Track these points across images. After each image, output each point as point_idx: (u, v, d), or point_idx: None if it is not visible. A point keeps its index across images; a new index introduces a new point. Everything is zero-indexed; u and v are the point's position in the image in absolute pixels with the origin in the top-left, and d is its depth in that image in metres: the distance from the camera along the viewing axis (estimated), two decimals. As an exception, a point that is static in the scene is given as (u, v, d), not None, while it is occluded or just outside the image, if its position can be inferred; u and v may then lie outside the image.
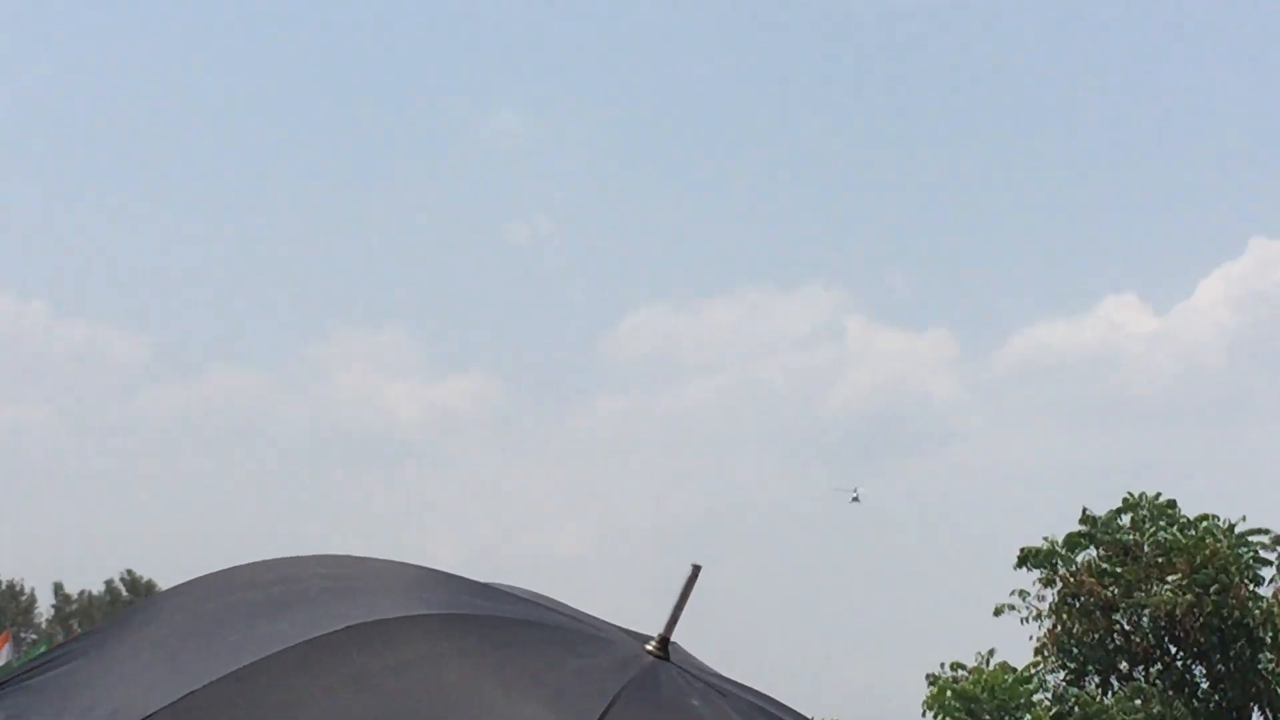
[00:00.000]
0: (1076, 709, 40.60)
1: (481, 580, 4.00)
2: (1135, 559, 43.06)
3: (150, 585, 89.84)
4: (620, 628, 3.84)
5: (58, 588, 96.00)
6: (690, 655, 3.87)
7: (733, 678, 3.97)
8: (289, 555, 4.09)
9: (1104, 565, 42.99)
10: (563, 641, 3.68)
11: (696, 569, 3.79)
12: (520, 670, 3.48)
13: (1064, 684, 42.39)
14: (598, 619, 3.91)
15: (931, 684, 37.77)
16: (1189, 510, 44.08)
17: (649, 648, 3.68)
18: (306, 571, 3.83)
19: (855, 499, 69.48)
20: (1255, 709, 42.86)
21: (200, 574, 4.01)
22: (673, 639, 3.75)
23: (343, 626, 3.45)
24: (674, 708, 3.52)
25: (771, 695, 3.99)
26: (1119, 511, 44.17)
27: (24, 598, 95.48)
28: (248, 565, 3.88)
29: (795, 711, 3.90)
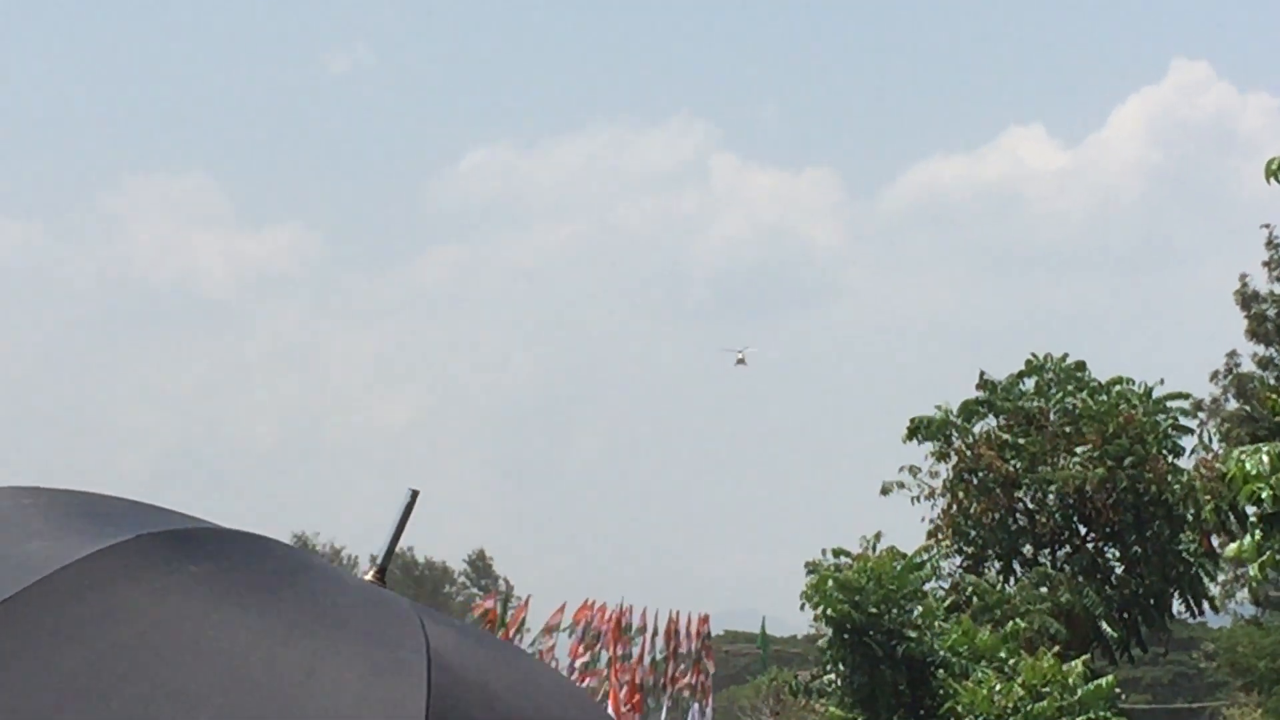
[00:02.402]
0: (974, 598, 38.61)
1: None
2: (1040, 428, 41.82)
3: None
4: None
5: None
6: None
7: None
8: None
9: (1005, 436, 41.83)
10: (290, 562, 3.28)
11: (414, 493, 3.48)
12: (275, 600, 3.15)
13: (960, 571, 41.15)
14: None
15: (811, 572, 34.44)
16: (1100, 373, 42.95)
17: (368, 578, 3.38)
18: None
19: (741, 361, 66.85)
20: (1175, 594, 41.76)
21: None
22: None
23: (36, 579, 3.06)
24: (477, 635, 3.44)
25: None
26: (1021, 375, 43.00)
27: None
28: None
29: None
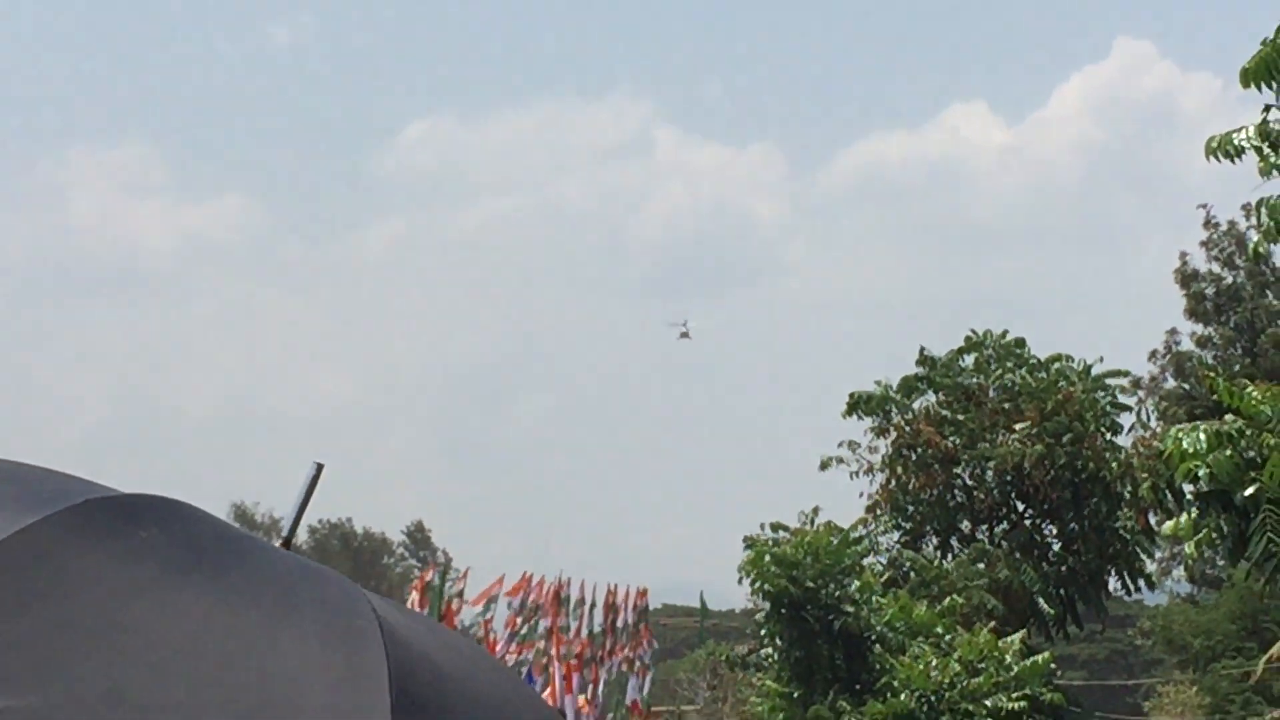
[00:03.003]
0: (912, 574, 38.44)
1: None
2: (979, 405, 41.73)
3: None
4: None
5: None
6: None
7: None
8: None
9: (944, 412, 41.79)
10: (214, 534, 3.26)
11: (319, 466, 3.62)
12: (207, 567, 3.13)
13: (898, 546, 41.07)
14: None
15: (748, 547, 33.83)
16: (1039, 350, 42.89)
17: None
18: None
19: (684, 334, 66.83)
20: (1112, 571, 41.84)
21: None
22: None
23: None
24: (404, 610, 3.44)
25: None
26: (961, 351, 42.87)
27: None
28: None
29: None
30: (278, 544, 3.54)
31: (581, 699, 37.84)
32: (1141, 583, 42.28)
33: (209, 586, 3.08)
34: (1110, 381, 41.74)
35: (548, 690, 35.21)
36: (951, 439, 41.06)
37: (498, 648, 36.45)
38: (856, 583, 32.22)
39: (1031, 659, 30.68)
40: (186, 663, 2.95)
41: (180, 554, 3.14)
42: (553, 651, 37.62)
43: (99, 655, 2.89)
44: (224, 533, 3.32)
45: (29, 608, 2.93)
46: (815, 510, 37.12)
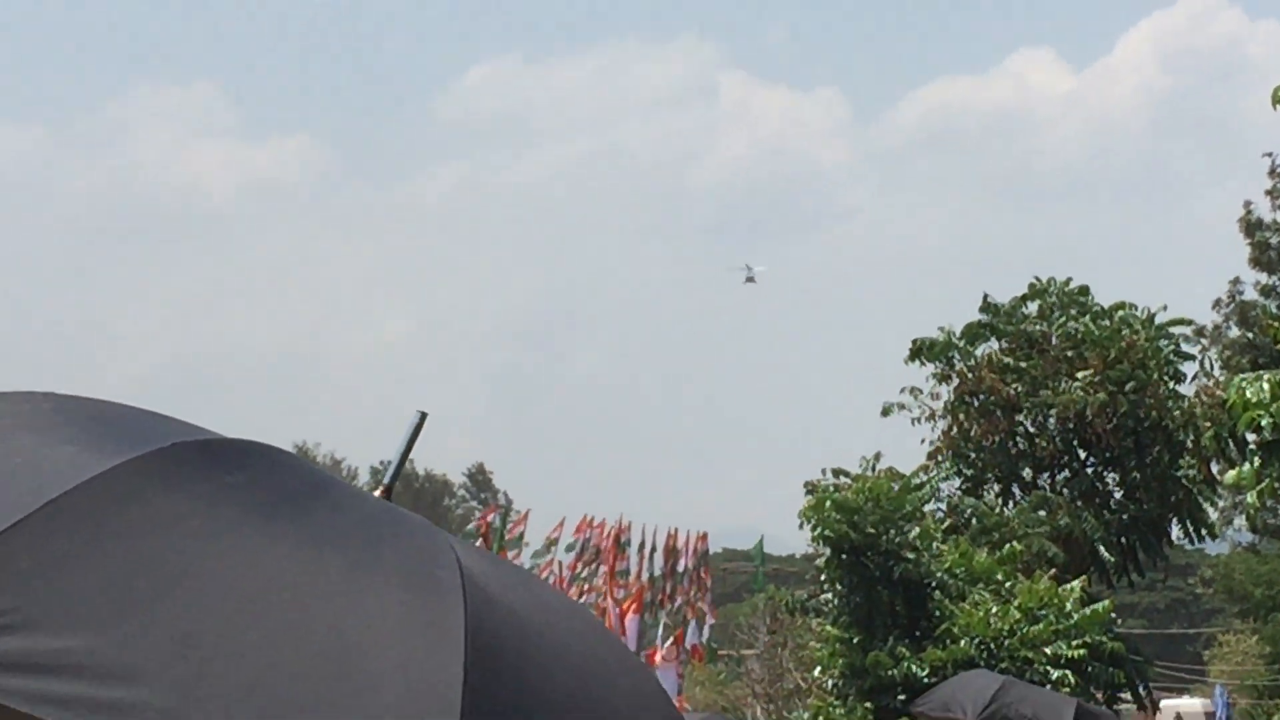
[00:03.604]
0: (974, 521, 38.34)
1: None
2: (1042, 352, 41.55)
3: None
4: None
5: None
6: None
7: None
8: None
9: (1006, 359, 41.58)
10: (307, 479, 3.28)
11: (422, 415, 3.66)
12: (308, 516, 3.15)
13: (959, 493, 41.04)
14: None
15: (809, 492, 33.88)
16: (1103, 298, 42.68)
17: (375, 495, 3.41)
18: None
19: (750, 279, 66.78)
20: (1173, 520, 41.75)
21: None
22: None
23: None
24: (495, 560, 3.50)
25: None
26: (1024, 298, 42.67)
27: None
28: None
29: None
30: (378, 491, 3.57)
31: (658, 654, 38.03)
32: (1203, 532, 42.20)
33: (291, 533, 3.10)
34: (1174, 330, 41.61)
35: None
36: (1014, 386, 40.90)
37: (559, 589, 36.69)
38: (917, 529, 32.20)
39: (1092, 607, 30.66)
40: (261, 609, 2.96)
41: (265, 499, 3.16)
42: (608, 595, 37.79)
43: (174, 599, 2.93)
44: (312, 478, 3.33)
45: (107, 550, 2.96)
46: (877, 456, 37.10)
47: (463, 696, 2.93)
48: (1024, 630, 29.53)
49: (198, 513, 3.05)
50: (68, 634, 2.88)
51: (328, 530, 3.15)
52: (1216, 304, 56.03)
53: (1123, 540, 40.90)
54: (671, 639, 39.94)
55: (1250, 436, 21.92)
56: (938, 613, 30.42)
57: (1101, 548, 39.70)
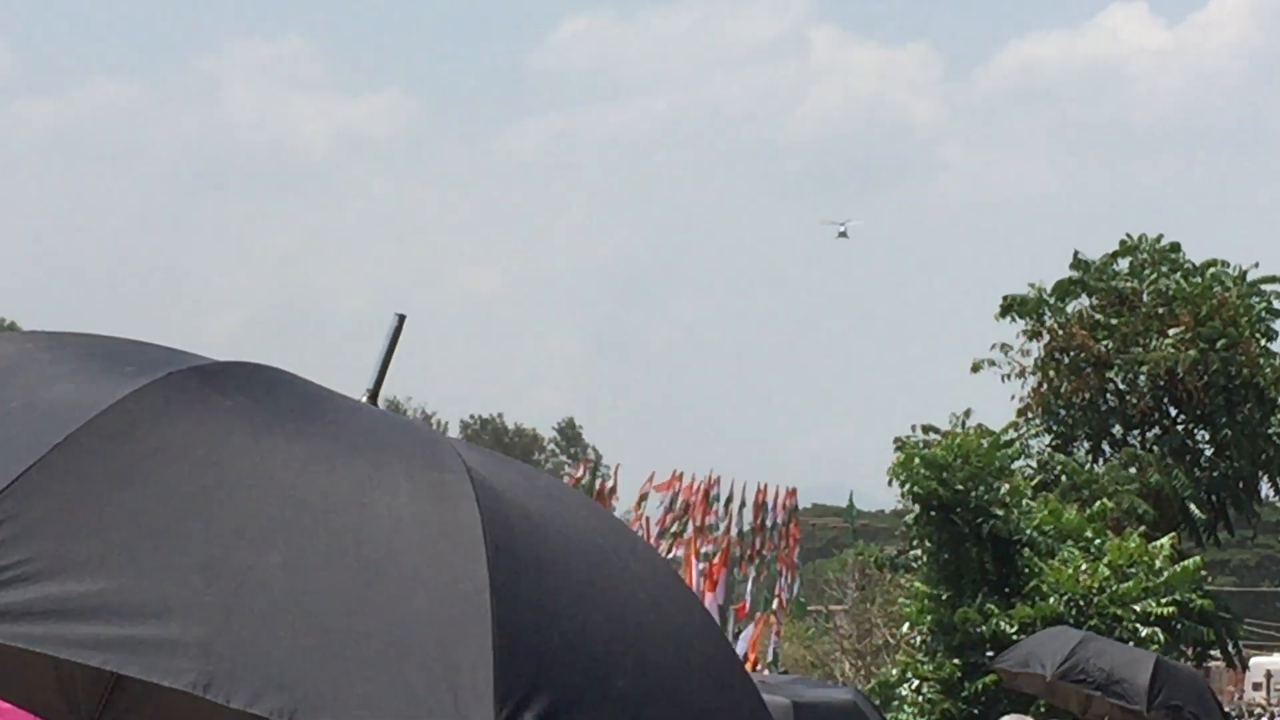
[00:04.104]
0: (1063, 478, 38.26)
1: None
2: (1133, 309, 41.52)
3: (13, 327, 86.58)
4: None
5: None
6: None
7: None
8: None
9: (1097, 316, 41.56)
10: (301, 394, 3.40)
11: (401, 318, 3.89)
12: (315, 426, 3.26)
13: (1049, 449, 40.98)
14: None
15: (899, 449, 33.92)
16: (1195, 255, 42.44)
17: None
18: None
19: (843, 233, 66.55)
20: (1264, 478, 41.72)
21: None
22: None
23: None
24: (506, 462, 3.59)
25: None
26: (1116, 255, 42.47)
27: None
28: None
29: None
30: (364, 398, 3.68)
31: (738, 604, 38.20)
32: (1294, 490, 42.06)
33: (299, 451, 3.15)
34: (1266, 288, 41.35)
35: (703, 587, 35.53)
36: (1104, 343, 40.86)
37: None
38: (1006, 486, 32.14)
39: (1181, 564, 30.62)
40: (280, 530, 3.01)
41: (267, 419, 3.21)
42: (693, 549, 37.93)
43: (194, 529, 2.98)
44: (308, 392, 3.41)
45: (122, 487, 3.02)
46: (967, 413, 37.26)
47: (490, 598, 3.03)
48: (1113, 588, 29.54)
49: (204, 440, 3.11)
50: (93, 576, 2.92)
51: (333, 444, 3.21)
52: (1310, 260, 55.79)
53: (1213, 498, 40.80)
54: (776, 600, 40.13)
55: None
56: (1026, 570, 30.44)
57: (1192, 505, 39.61)
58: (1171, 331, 40.34)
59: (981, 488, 31.83)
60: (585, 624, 3.30)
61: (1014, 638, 26.98)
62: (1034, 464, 39.46)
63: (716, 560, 37.75)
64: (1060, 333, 41.24)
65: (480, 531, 3.14)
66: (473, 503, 3.20)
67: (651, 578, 3.59)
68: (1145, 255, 41.98)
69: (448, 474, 3.26)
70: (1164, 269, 41.55)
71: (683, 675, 3.43)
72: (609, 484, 41.12)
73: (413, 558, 3.09)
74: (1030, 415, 41.37)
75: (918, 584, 32.67)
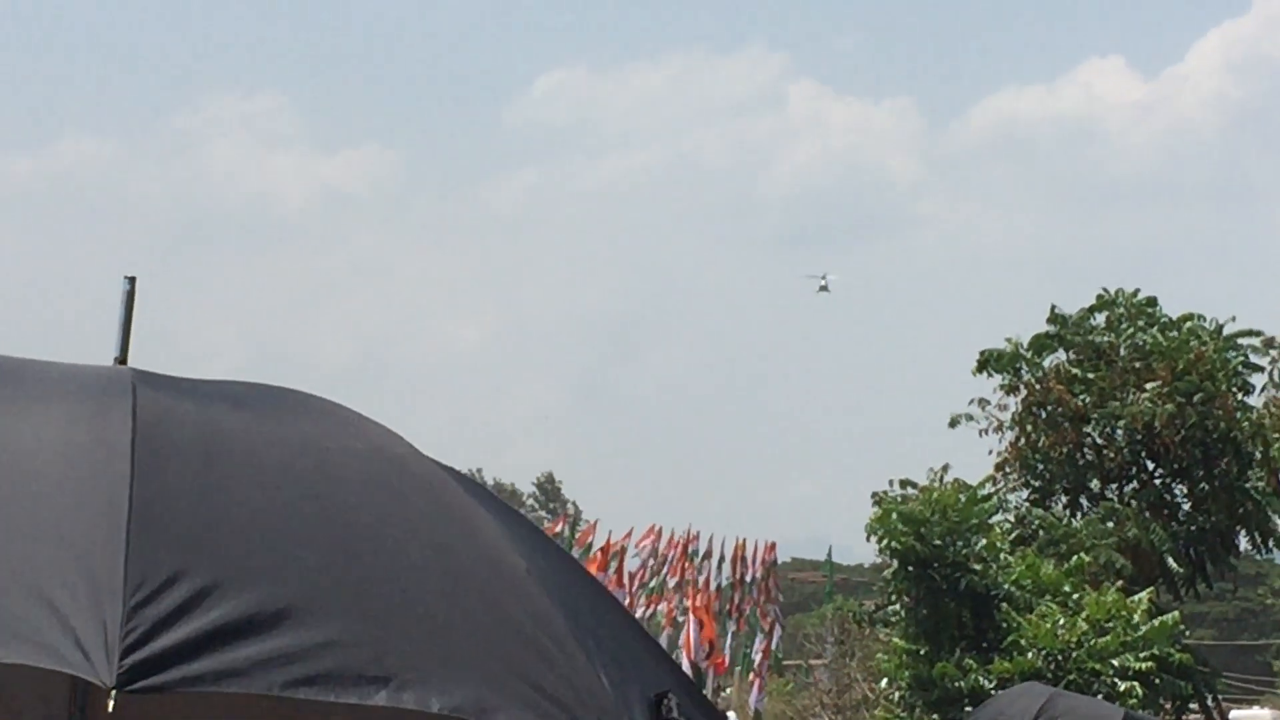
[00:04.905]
0: (1041, 532, 38.42)
1: None
2: (1110, 363, 41.38)
3: None
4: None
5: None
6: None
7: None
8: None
9: (1074, 370, 41.31)
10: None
11: (131, 280, 4.08)
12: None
13: (1027, 504, 40.91)
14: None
15: (876, 504, 33.82)
16: (1171, 309, 42.36)
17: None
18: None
19: (824, 287, 66.44)
20: (1242, 532, 41.58)
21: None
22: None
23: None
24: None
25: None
26: (1092, 310, 42.35)
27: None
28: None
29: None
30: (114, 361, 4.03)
31: (721, 657, 38.12)
32: (1271, 543, 41.92)
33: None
34: (1242, 341, 41.17)
35: (683, 641, 35.46)
36: (1082, 397, 40.64)
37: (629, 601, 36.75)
38: (984, 541, 32.13)
39: (1160, 618, 30.60)
40: None
41: None
42: (688, 603, 37.84)
43: None
44: (9, 365, 3.80)
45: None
46: (945, 468, 37.13)
47: (130, 498, 3.33)
48: (1091, 642, 29.51)
49: None
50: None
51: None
52: (1286, 314, 55.85)
53: (1191, 551, 40.68)
54: (760, 652, 40.02)
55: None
56: (1005, 624, 30.41)
57: (1170, 559, 39.47)
58: (1148, 386, 40.16)
59: (959, 543, 31.81)
60: (269, 518, 3.57)
61: (991, 693, 26.89)
62: (1011, 518, 39.31)
63: (702, 612, 37.59)
64: (1037, 387, 41.06)
65: (130, 444, 3.43)
66: (128, 421, 3.50)
67: (416, 493, 3.89)
68: (1122, 309, 41.83)
69: (108, 397, 3.59)
70: (1141, 323, 41.38)
71: (411, 576, 3.63)
72: (589, 539, 41.06)
73: (58, 468, 3.42)
74: (1008, 470, 41.21)
75: (896, 639, 32.64)
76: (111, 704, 3.19)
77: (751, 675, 38.13)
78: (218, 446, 3.63)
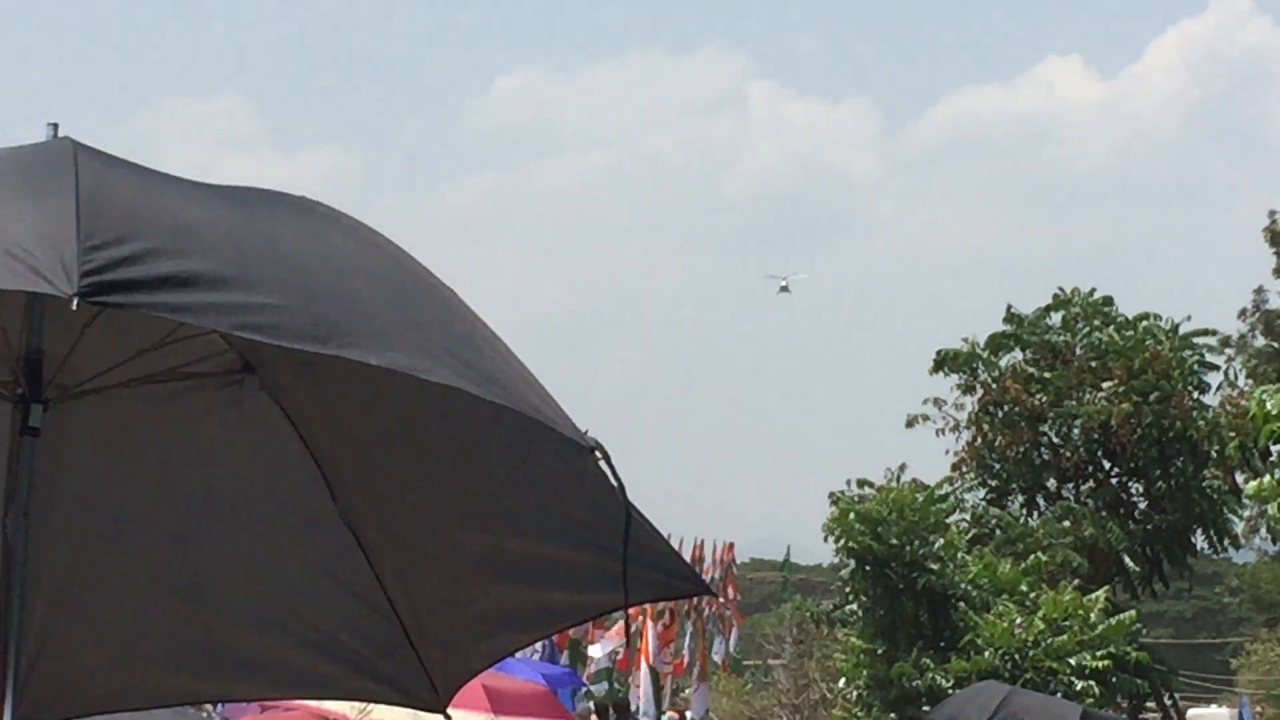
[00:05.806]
0: (998, 531, 38.44)
1: None
2: (1066, 363, 41.43)
3: None
4: None
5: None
6: None
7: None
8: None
9: (1031, 370, 41.46)
10: None
11: (54, 127, 4.41)
12: None
13: (983, 504, 40.85)
14: None
15: (834, 504, 33.78)
16: (1127, 308, 42.41)
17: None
18: None
19: (784, 288, 66.23)
20: (1198, 530, 41.46)
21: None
22: None
23: None
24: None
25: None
26: (1048, 309, 42.47)
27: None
28: None
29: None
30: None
31: (676, 662, 37.99)
32: (1227, 542, 42.00)
33: None
34: (1198, 340, 41.28)
35: (639, 650, 35.32)
36: (1038, 397, 40.72)
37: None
38: (941, 540, 32.16)
39: (1116, 617, 30.67)
40: None
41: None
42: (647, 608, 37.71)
43: None
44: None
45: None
46: (901, 467, 37.11)
47: (76, 188, 3.71)
48: (1048, 641, 29.56)
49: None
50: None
51: None
52: (1242, 314, 55.98)
53: (1147, 550, 40.65)
54: (721, 656, 39.89)
55: (1273, 448, 21.90)
56: (962, 624, 30.45)
57: (1126, 558, 39.45)
58: (1105, 385, 40.24)
59: (916, 542, 31.85)
60: (210, 224, 3.90)
61: (949, 692, 26.94)
62: (968, 518, 39.32)
63: (655, 616, 37.45)
64: (994, 387, 41.11)
65: (74, 190, 3.74)
66: (71, 173, 3.84)
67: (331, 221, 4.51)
68: (1078, 309, 41.89)
69: (54, 168, 3.90)
70: (1097, 323, 41.46)
71: (346, 281, 4.07)
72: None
73: (7, 221, 3.71)
74: (964, 469, 41.23)
75: (854, 639, 32.66)
76: (75, 304, 3.42)
77: (696, 677, 37.99)
78: (157, 180, 4.09)
